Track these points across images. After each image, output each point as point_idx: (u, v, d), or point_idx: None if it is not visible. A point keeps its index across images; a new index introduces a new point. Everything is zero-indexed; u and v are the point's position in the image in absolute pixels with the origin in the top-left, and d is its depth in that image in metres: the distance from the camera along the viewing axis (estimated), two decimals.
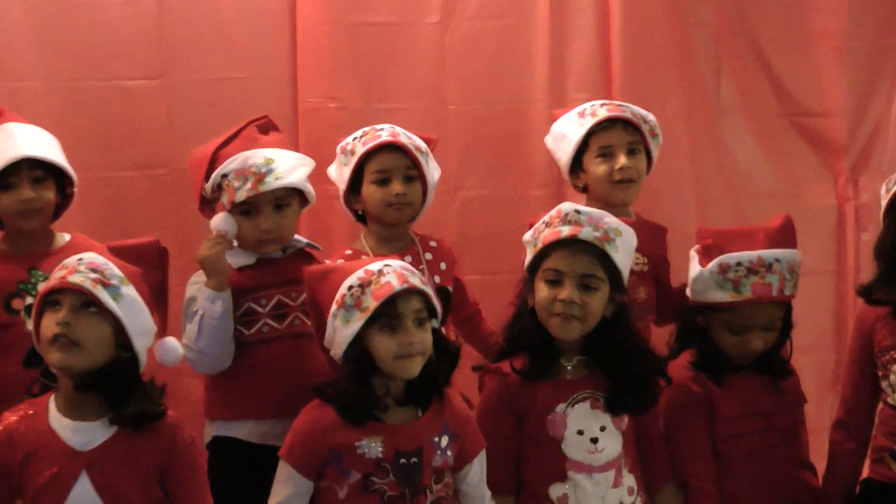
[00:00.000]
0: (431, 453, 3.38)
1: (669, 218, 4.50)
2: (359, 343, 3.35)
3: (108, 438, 3.19)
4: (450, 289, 4.08)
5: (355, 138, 4.02)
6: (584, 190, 4.31)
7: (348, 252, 4.01)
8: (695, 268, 3.81)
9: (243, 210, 3.81)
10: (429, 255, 4.07)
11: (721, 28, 5.10)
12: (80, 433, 3.19)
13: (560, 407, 3.56)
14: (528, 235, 3.67)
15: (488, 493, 3.53)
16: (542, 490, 3.55)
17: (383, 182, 3.97)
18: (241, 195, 3.78)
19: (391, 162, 3.97)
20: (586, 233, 3.55)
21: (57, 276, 3.21)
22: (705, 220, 4.69)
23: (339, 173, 4.05)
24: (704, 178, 5.05)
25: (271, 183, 3.79)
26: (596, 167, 4.23)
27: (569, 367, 3.61)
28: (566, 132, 4.30)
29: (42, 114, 4.28)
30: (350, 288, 3.37)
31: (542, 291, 3.55)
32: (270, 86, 4.73)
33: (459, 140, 4.84)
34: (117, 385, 3.19)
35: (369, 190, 3.99)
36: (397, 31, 4.82)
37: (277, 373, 3.78)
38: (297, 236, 3.96)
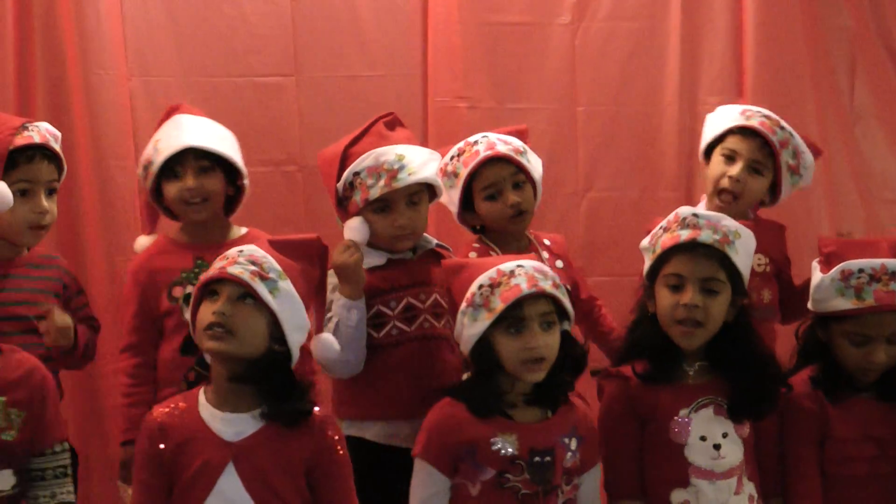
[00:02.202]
0: (563, 453, 3.37)
1: (802, 224, 4.46)
2: (485, 342, 3.36)
3: (257, 430, 3.21)
4: (568, 287, 4.07)
5: (453, 157, 4.01)
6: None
7: (476, 245, 4.02)
8: (816, 277, 3.74)
9: (377, 207, 3.80)
10: (545, 254, 4.06)
11: (856, 31, 5.04)
12: (230, 424, 3.21)
13: (683, 412, 3.52)
14: (645, 242, 3.64)
15: (600, 502, 3.52)
16: (663, 495, 3.51)
17: (495, 196, 3.96)
18: (375, 192, 3.77)
19: (497, 175, 3.95)
20: (705, 236, 3.51)
21: (217, 266, 3.24)
22: (838, 227, 4.64)
23: (448, 196, 4.03)
24: (837, 184, 4.98)
25: (405, 179, 3.77)
26: (714, 166, 4.20)
27: (691, 372, 3.57)
28: (718, 119, 4.26)
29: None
30: (480, 287, 3.37)
31: (665, 298, 3.52)
32: (401, 84, 4.76)
33: (589, 141, 4.84)
34: (270, 379, 3.21)
35: (484, 207, 3.97)
36: (529, 31, 4.83)
37: (406, 375, 3.77)
38: (426, 236, 3.95)
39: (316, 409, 3.27)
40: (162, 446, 3.20)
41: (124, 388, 3.88)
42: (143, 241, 4.04)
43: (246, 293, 3.18)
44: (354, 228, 3.78)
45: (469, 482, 3.34)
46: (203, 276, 3.26)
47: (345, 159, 3.84)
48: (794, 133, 4.21)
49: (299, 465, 3.22)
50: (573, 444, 3.40)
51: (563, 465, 3.37)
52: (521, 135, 4.07)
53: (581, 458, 3.42)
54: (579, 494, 3.45)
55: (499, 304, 3.33)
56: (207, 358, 3.29)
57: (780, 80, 4.90)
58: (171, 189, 3.87)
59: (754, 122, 4.17)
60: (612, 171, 4.76)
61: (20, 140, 3.67)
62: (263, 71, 4.67)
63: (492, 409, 3.35)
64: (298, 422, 3.22)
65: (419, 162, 3.81)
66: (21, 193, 3.65)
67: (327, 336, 3.55)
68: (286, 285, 3.22)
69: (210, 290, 3.22)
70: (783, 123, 4.20)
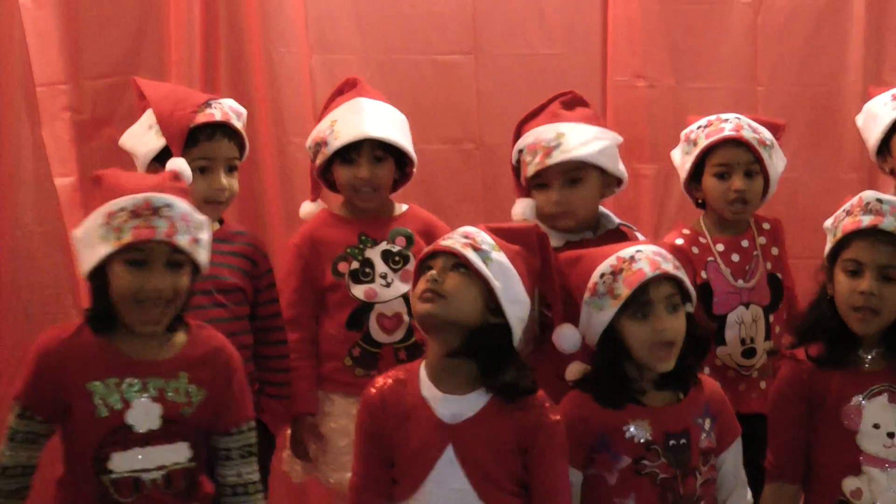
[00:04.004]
0: (697, 434, 3.34)
1: None
2: (612, 331, 3.34)
3: (477, 412, 3.21)
4: (779, 276, 4.02)
5: (700, 126, 3.98)
6: (893, 173, 4.18)
7: (686, 231, 4.00)
8: None
9: (537, 184, 3.80)
10: (762, 240, 4.01)
11: None
12: (449, 405, 3.22)
13: (856, 399, 3.45)
14: (828, 223, 3.57)
15: (743, 478, 3.47)
16: (834, 482, 3.44)
17: (723, 176, 3.92)
18: (531, 169, 3.77)
19: (733, 157, 3.91)
20: (888, 223, 3.42)
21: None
22: None
23: (682, 161, 4.01)
24: None
25: (557, 157, 3.74)
26: None
27: (867, 359, 3.50)
28: (878, 112, 4.18)
29: None
30: (602, 275, 3.35)
31: (842, 283, 3.45)
32: (580, 62, 4.75)
33: None
34: (489, 352, 3.21)
35: (710, 182, 3.94)
36: (710, 8, 4.79)
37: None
38: (610, 214, 3.90)
39: (539, 390, 3.27)
40: (381, 421, 3.25)
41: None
42: (308, 208, 4.11)
43: (458, 263, 3.20)
44: (520, 206, 3.80)
45: (606, 472, 3.32)
46: (421, 254, 3.30)
47: (516, 136, 3.86)
48: None
49: (515, 446, 3.22)
50: (707, 424, 3.37)
51: (698, 446, 3.33)
52: (776, 128, 4.04)
53: (717, 437, 3.39)
54: (721, 473, 3.42)
55: (624, 290, 3.29)
56: (419, 324, 3.30)
57: None
58: (344, 173, 3.92)
59: None
60: (792, 152, 4.66)
61: (201, 117, 3.73)
62: (443, 48, 4.69)
63: (620, 398, 3.33)
64: (521, 398, 3.22)
65: (578, 141, 3.77)
66: (200, 170, 3.72)
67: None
68: (500, 257, 3.23)
69: (426, 265, 3.25)
70: None
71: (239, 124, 3.80)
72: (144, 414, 3.12)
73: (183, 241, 3.10)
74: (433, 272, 3.20)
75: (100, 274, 3.12)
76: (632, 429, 3.31)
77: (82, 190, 4.40)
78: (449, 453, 3.19)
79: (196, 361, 3.20)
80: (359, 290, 3.89)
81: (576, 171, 3.77)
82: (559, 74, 4.65)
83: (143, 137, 3.78)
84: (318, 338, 3.96)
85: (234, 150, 3.80)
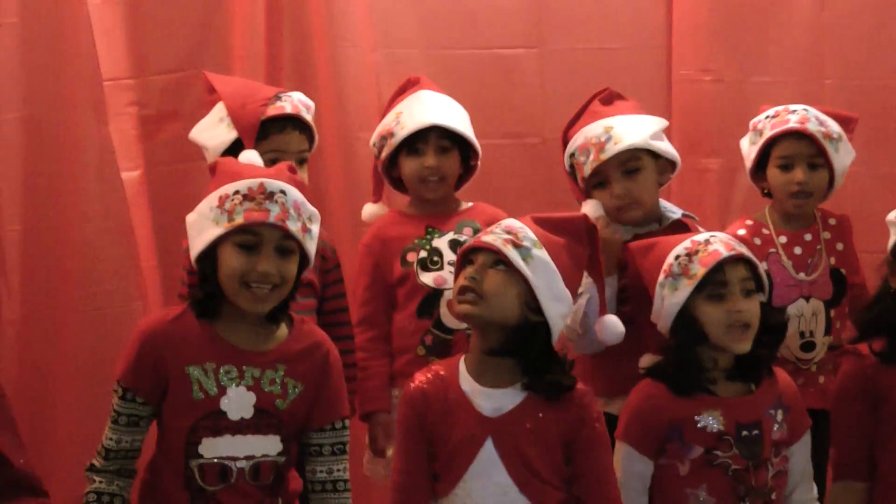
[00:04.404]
0: (770, 425, 3.34)
1: None
2: (686, 313, 3.34)
3: (516, 406, 3.22)
4: (843, 272, 4.00)
5: (767, 117, 3.98)
6: None
7: (749, 222, 4.01)
8: None
9: (596, 182, 3.82)
10: (827, 234, 4.01)
11: None
12: (490, 399, 3.23)
13: None
14: (892, 216, 3.56)
15: (809, 472, 3.45)
16: None
17: (786, 168, 3.92)
18: (587, 169, 3.80)
19: (795, 149, 3.92)
20: None
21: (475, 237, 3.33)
22: None
23: (748, 150, 4.02)
24: None
25: (611, 149, 3.76)
26: None
27: None
28: None
29: None
30: (677, 257, 3.36)
31: None
32: (645, 56, 4.73)
33: None
34: (529, 350, 3.22)
35: (773, 174, 3.95)
36: (775, 2, 4.73)
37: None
38: (671, 206, 3.91)
39: (579, 384, 3.27)
40: (423, 416, 3.25)
41: (360, 361, 3.94)
42: (370, 209, 4.13)
43: (499, 260, 3.21)
44: (589, 207, 3.78)
45: (678, 462, 3.33)
46: (462, 247, 3.32)
47: (564, 143, 3.89)
48: None
49: (558, 439, 3.22)
50: (779, 416, 3.36)
51: (771, 437, 3.32)
52: (847, 121, 4.03)
53: (789, 429, 3.37)
54: (791, 465, 3.40)
55: (699, 270, 3.30)
56: (449, 322, 3.32)
57: None
58: (411, 165, 3.93)
59: None
60: (859, 146, 4.62)
61: (272, 110, 3.76)
62: (506, 43, 4.68)
63: (693, 386, 3.32)
64: (560, 395, 3.22)
65: (627, 130, 3.79)
66: (272, 163, 3.72)
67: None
68: (541, 254, 3.23)
69: (468, 259, 3.26)
70: None
71: (308, 117, 3.82)
72: (238, 401, 3.14)
73: (294, 227, 3.12)
74: (473, 269, 3.21)
75: (209, 257, 3.13)
76: (704, 419, 3.31)
77: (148, 184, 4.43)
78: (489, 447, 3.20)
79: (295, 355, 3.21)
80: (427, 278, 3.90)
81: (631, 161, 3.79)
82: (623, 69, 4.64)
83: (213, 130, 3.80)
84: (390, 336, 3.96)
85: (305, 143, 3.82)
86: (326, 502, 3.24)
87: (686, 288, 3.32)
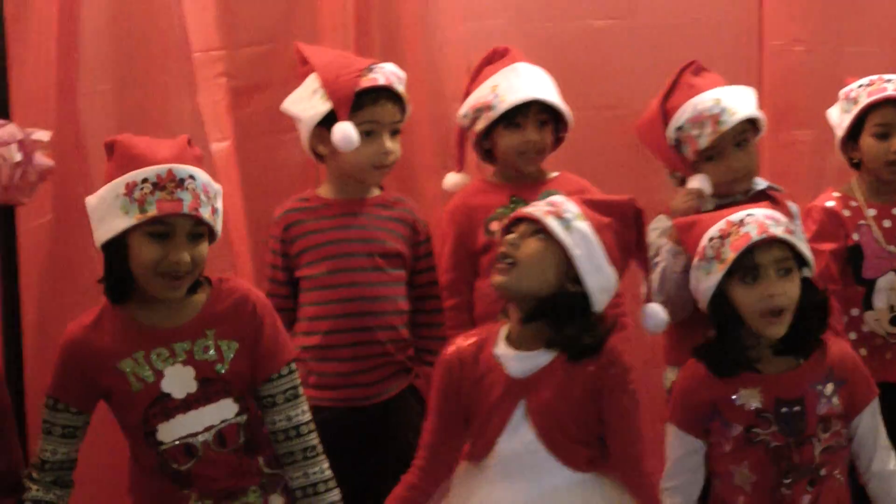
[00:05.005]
0: (815, 400, 3.31)
1: None
2: (721, 296, 3.33)
3: (546, 365, 3.24)
4: None
5: (861, 86, 3.97)
6: None
7: (836, 194, 4.01)
8: None
9: (708, 156, 3.81)
10: None
11: None
12: (520, 362, 3.26)
13: None
14: None
15: (884, 442, 3.41)
16: None
17: (883, 136, 3.91)
18: (704, 141, 3.79)
19: (894, 117, 3.90)
20: None
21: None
22: None
23: (840, 119, 4.00)
24: None
25: (728, 121, 3.78)
26: None
27: None
28: None
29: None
30: (710, 239, 3.35)
31: None
32: (735, 28, 4.66)
33: None
34: (562, 314, 3.23)
35: (868, 142, 3.94)
36: None
37: None
38: (757, 178, 3.93)
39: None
40: (458, 380, 3.29)
41: (446, 330, 3.96)
42: (453, 179, 4.14)
43: (539, 229, 3.23)
44: (703, 181, 3.80)
45: (721, 440, 3.33)
46: (505, 220, 3.34)
47: (664, 116, 3.87)
48: None
49: (586, 391, 3.23)
50: (828, 390, 3.33)
51: (816, 413, 3.29)
52: None
53: (846, 402, 3.34)
54: (858, 437, 3.37)
55: (729, 254, 3.29)
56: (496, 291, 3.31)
57: None
58: (510, 138, 3.93)
59: None
60: None
61: (365, 82, 3.78)
62: (595, 14, 4.63)
63: (733, 366, 3.32)
64: (582, 356, 3.24)
65: (736, 101, 3.82)
66: (366, 134, 3.75)
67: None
68: (583, 226, 3.24)
69: (510, 231, 3.28)
70: None
71: (401, 88, 3.83)
72: (178, 379, 3.16)
73: (206, 213, 3.12)
74: (512, 236, 3.24)
75: (117, 244, 3.13)
76: (741, 396, 3.30)
77: (237, 155, 4.43)
78: (521, 409, 3.23)
79: (221, 315, 3.21)
80: None
81: (742, 134, 3.82)
82: (713, 40, 4.59)
83: (307, 102, 3.82)
84: (471, 303, 3.97)
85: (398, 114, 3.85)
86: (292, 448, 3.25)
87: (718, 273, 3.31)
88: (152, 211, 3.05)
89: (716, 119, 3.76)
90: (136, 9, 4.33)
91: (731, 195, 3.82)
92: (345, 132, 3.70)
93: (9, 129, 3.86)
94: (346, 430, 3.59)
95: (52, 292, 4.19)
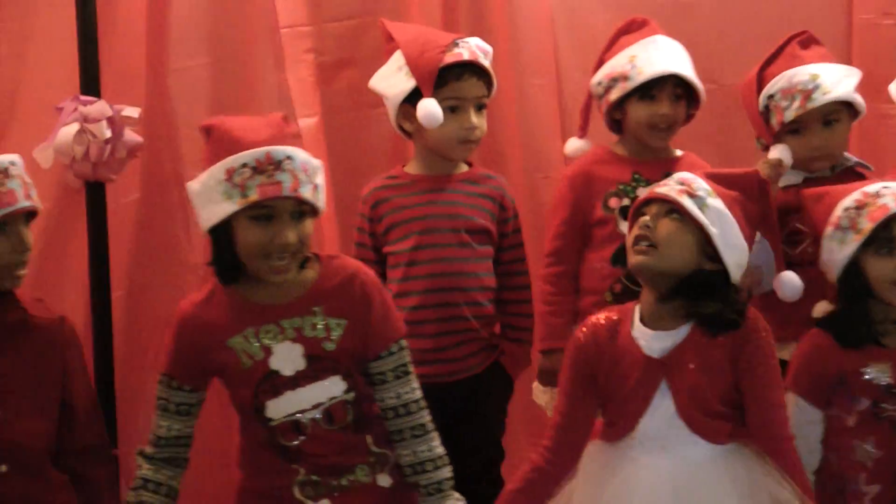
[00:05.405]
0: None
1: None
2: (853, 267, 3.31)
3: (683, 340, 3.23)
4: None
5: None
6: None
7: None
8: None
9: (793, 129, 3.79)
10: None
11: None
12: (657, 340, 3.25)
13: None
14: None
15: None
16: None
17: None
18: (790, 115, 3.77)
19: None
20: None
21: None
22: None
23: None
24: None
25: (819, 99, 3.75)
26: None
27: None
28: None
29: (596, 26, 4.43)
30: (846, 209, 3.34)
31: None
32: (824, 1, 4.62)
33: None
34: (704, 292, 3.22)
35: None
36: None
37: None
38: (846, 154, 3.90)
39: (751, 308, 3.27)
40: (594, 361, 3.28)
41: (545, 296, 3.96)
42: (575, 144, 4.14)
43: (672, 209, 3.21)
44: (780, 149, 3.77)
45: (844, 413, 3.31)
46: (635, 202, 3.32)
47: (760, 82, 3.84)
48: None
49: (726, 361, 3.22)
50: None
51: None
52: None
53: None
54: None
55: (867, 225, 3.28)
56: (634, 274, 3.31)
57: None
58: (642, 111, 3.91)
59: None
60: None
61: (449, 58, 3.76)
62: None
63: (861, 338, 3.30)
64: (726, 329, 3.21)
65: (834, 80, 3.78)
66: (451, 110, 3.75)
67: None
68: (716, 203, 3.22)
69: (641, 211, 3.26)
70: None
71: (486, 62, 3.82)
72: (287, 356, 3.17)
73: (307, 192, 3.14)
74: (646, 218, 3.21)
75: (222, 228, 3.15)
76: (870, 372, 3.29)
77: (325, 131, 4.45)
78: (663, 387, 3.21)
79: (330, 293, 3.22)
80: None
81: (833, 113, 3.78)
82: (802, 13, 4.51)
83: (392, 79, 3.82)
84: (577, 273, 3.96)
85: (483, 89, 3.83)
86: (401, 426, 3.25)
87: (853, 242, 3.30)
88: (253, 195, 3.08)
89: (807, 94, 3.74)
90: None
91: (812, 171, 3.82)
92: (428, 109, 3.70)
93: (98, 106, 3.92)
94: (431, 406, 3.60)
95: (139, 269, 4.25)
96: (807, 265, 3.67)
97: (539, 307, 3.96)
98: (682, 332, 3.23)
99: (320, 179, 3.21)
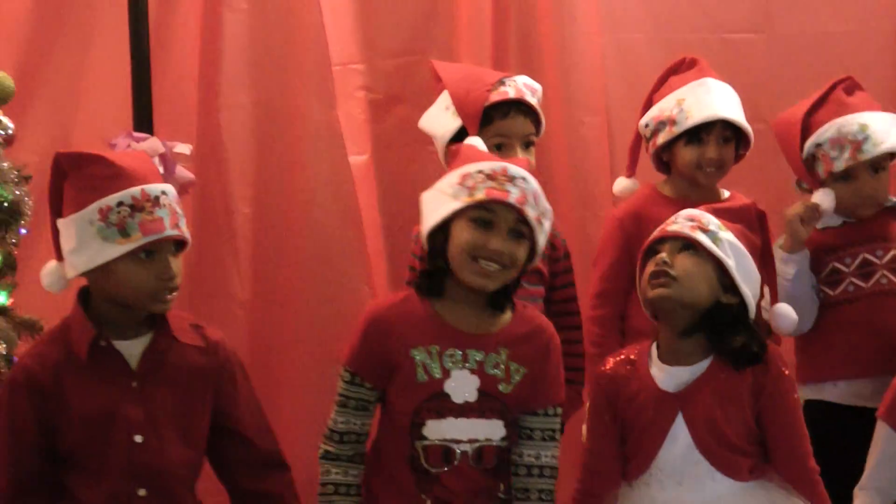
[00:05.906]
0: None
1: None
2: None
3: (700, 375, 3.23)
4: None
5: None
6: None
7: None
8: None
9: (841, 177, 3.79)
10: None
11: None
12: (674, 376, 3.25)
13: None
14: None
15: None
16: None
17: None
18: (840, 165, 3.77)
19: None
20: None
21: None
22: None
23: None
24: None
25: (870, 151, 3.75)
26: None
27: None
28: None
29: (646, 65, 4.43)
30: None
31: None
32: (876, 41, 4.63)
33: None
34: (725, 325, 3.22)
35: None
36: None
37: (864, 331, 3.74)
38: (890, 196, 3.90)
39: (771, 345, 3.27)
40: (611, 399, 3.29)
41: (593, 337, 3.93)
42: (623, 184, 4.12)
43: (687, 244, 3.23)
44: (823, 194, 3.77)
45: None
46: (646, 241, 3.32)
47: (805, 129, 3.83)
48: None
49: (746, 395, 3.22)
50: None
51: None
52: None
53: None
54: None
55: None
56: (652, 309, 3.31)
57: None
58: (690, 153, 3.88)
59: None
60: None
61: (496, 96, 3.75)
62: (734, 27, 4.63)
63: None
64: (748, 363, 3.22)
65: (883, 130, 3.77)
66: (497, 147, 3.74)
67: (783, 305, 3.47)
68: (728, 236, 3.23)
69: (653, 250, 3.28)
70: None
71: (534, 100, 3.80)
72: (462, 384, 3.18)
73: (531, 213, 3.16)
74: (662, 255, 3.22)
75: (442, 232, 3.19)
76: None
77: (376, 168, 4.49)
78: (679, 421, 3.21)
79: (518, 339, 3.23)
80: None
81: (882, 162, 3.78)
82: (853, 54, 4.55)
83: (440, 119, 3.83)
84: (627, 313, 3.95)
85: (530, 127, 3.80)
86: (530, 485, 3.26)
87: None
88: (480, 195, 3.13)
89: (857, 146, 3.74)
90: (275, 22, 4.43)
91: (858, 217, 3.83)
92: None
93: (151, 143, 3.94)
94: None
95: (191, 304, 4.27)
96: (845, 305, 3.69)
97: (588, 348, 3.93)
98: (701, 366, 3.24)
99: (547, 223, 3.25)
